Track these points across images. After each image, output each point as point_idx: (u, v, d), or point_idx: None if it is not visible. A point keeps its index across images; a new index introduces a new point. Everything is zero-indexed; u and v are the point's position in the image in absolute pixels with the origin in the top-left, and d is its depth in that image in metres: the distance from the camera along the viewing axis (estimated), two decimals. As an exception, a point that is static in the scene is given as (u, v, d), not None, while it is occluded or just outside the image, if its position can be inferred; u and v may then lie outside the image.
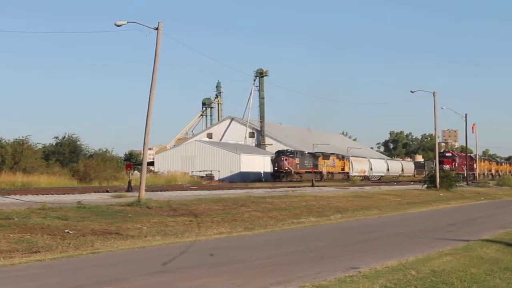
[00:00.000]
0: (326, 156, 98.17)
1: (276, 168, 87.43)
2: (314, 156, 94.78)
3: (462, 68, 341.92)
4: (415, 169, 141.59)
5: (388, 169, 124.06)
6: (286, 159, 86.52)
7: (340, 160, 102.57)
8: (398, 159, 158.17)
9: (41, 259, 17.51)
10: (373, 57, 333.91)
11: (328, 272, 15.29)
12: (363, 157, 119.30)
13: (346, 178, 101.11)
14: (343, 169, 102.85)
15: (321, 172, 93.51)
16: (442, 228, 29.09)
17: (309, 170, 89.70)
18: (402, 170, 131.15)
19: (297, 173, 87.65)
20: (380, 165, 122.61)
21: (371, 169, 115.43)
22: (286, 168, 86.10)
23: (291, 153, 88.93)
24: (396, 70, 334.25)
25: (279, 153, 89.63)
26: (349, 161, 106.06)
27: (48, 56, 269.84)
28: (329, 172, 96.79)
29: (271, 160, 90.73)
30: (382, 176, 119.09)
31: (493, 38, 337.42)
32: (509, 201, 57.33)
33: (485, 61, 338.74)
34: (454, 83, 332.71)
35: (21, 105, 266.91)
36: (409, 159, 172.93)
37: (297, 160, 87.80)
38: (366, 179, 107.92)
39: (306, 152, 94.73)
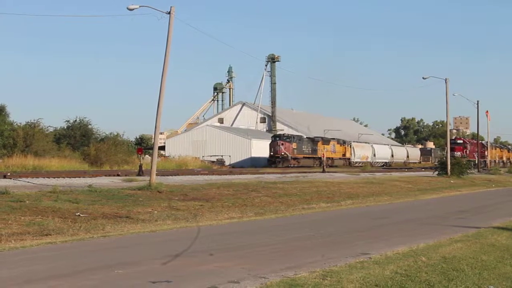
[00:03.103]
0: (326, 141, 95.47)
1: (272, 153, 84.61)
2: (313, 141, 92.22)
3: (474, 54, 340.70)
4: (421, 156, 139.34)
5: (392, 155, 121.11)
6: (282, 144, 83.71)
7: (341, 146, 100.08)
8: (402, 145, 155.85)
9: (52, 242, 17.57)
10: (386, 43, 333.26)
11: (338, 257, 15.29)
12: (366, 142, 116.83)
13: (348, 164, 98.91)
14: (344, 154, 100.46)
15: (320, 158, 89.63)
16: (453, 215, 29.01)
17: (307, 156, 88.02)
18: (408, 156, 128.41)
19: (294, 158, 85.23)
20: (384, 151, 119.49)
21: (374, 155, 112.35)
22: (283, 153, 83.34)
23: (288, 138, 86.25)
24: (409, 56, 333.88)
25: (276, 138, 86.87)
26: (350, 147, 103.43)
27: (60, 40, 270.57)
28: (329, 158, 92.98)
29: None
30: (386, 162, 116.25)
31: (506, 25, 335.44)
32: (521, 188, 57.12)
33: (497, 47, 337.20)
34: (466, 70, 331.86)
35: (33, 88, 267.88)
36: (419, 146, 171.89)
37: (294, 145, 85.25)
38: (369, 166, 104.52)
39: (305, 137, 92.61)
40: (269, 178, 46.91)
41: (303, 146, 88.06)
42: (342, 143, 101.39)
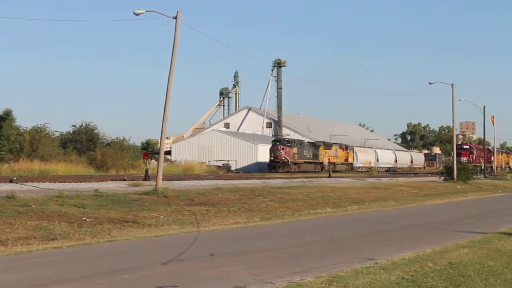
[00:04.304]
0: (328, 145, 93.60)
1: (272, 158, 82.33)
2: (315, 145, 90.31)
3: (481, 59, 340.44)
4: (425, 161, 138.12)
5: (396, 160, 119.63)
6: (283, 148, 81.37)
7: (343, 150, 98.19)
8: (406, 150, 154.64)
9: (58, 247, 17.59)
10: (392, 48, 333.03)
11: (345, 263, 15.27)
12: (369, 147, 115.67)
13: (350, 169, 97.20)
14: (346, 159, 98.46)
15: (321, 163, 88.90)
16: (459, 220, 28.97)
17: (309, 161, 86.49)
18: (411, 161, 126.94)
19: (295, 163, 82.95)
20: (388, 156, 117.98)
21: (378, 160, 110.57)
22: (283, 158, 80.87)
23: (289, 142, 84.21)
24: (415, 61, 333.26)
25: (276, 142, 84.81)
26: (353, 152, 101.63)
27: (66, 44, 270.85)
28: (331, 163, 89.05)
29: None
30: (389, 167, 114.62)
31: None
32: (527, 194, 56.97)
33: (504, 52, 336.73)
34: (472, 75, 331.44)
35: (39, 93, 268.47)
36: (424, 151, 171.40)
37: (295, 150, 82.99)
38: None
39: (306, 142, 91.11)
40: (275, 183, 46.87)
41: (304, 151, 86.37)
42: (345, 148, 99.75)
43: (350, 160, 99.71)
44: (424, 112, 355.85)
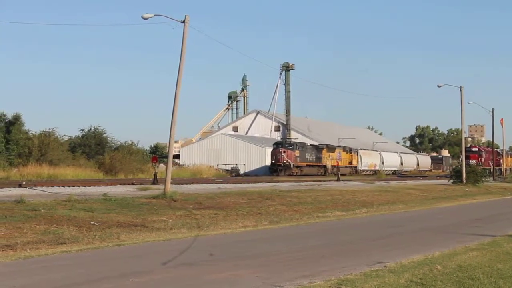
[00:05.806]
0: (331, 148, 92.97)
1: (273, 161, 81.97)
2: (317, 148, 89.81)
3: (489, 62, 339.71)
4: (432, 164, 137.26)
5: (401, 163, 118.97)
6: (284, 152, 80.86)
7: (347, 153, 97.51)
8: (413, 152, 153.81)
9: (67, 251, 17.61)
10: (400, 51, 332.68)
11: (353, 266, 15.25)
12: (374, 150, 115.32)
13: (354, 172, 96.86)
14: (350, 162, 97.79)
15: (324, 166, 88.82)
16: (468, 223, 28.90)
17: (311, 164, 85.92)
18: (418, 164, 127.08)
19: (297, 166, 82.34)
20: (393, 159, 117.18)
21: (383, 163, 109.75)
22: (285, 161, 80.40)
23: (291, 145, 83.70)
24: (423, 64, 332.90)
25: (277, 145, 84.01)
26: (357, 154, 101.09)
27: (74, 49, 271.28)
28: (334, 166, 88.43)
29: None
30: (395, 170, 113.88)
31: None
32: (537, 196, 56.79)
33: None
34: (480, 77, 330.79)
35: (48, 97, 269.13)
36: (431, 154, 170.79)
37: (297, 153, 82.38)
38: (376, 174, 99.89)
39: (308, 144, 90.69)
40: (283, 187, 46.87)
41: (306, 154, 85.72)
42: (349, 150, 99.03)
43: (354, 163, 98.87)
44: (433, 114, 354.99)
